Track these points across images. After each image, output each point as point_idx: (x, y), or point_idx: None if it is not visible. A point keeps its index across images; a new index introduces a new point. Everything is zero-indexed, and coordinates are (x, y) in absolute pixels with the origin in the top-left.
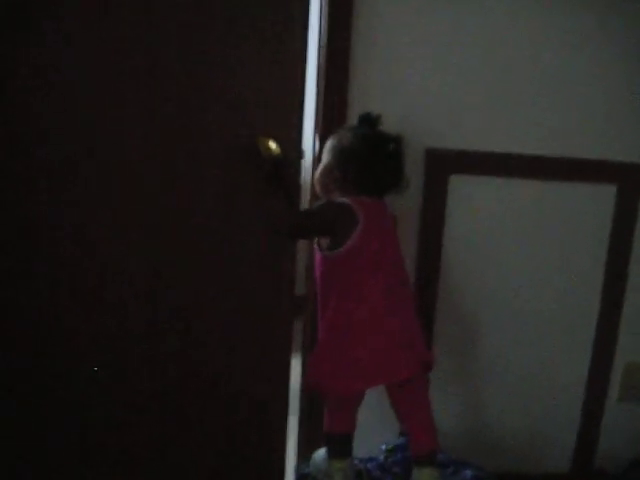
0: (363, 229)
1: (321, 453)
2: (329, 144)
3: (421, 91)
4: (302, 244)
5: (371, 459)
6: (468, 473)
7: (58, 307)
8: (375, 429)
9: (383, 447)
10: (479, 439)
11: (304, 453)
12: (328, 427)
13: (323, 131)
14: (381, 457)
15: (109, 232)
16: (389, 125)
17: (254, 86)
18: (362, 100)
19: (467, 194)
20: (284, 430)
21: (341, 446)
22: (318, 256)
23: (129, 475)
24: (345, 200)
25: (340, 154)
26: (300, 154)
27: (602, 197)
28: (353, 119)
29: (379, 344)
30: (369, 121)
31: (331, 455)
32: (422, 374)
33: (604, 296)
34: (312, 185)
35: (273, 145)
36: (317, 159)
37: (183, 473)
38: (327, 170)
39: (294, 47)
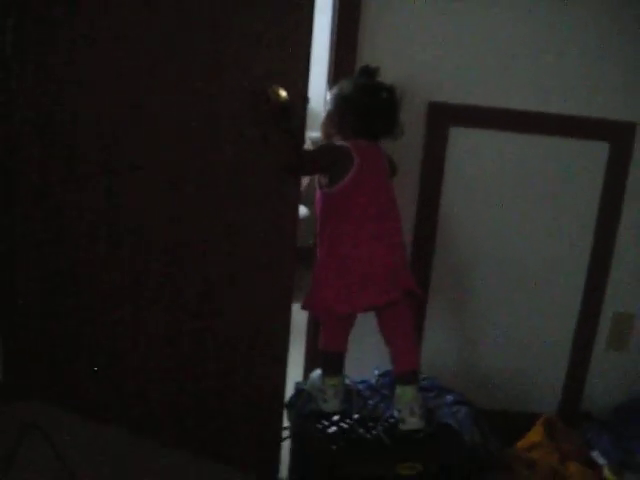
0: (358, 168)
1: (317, 372)
2: (331, 93)
3: (425, 48)
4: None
5: (363, 381)
6: (449, 398)
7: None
8: (370, 356)
9: (376, 372)
10: (470, 378)
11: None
12: (322, 345)
13: (334, 83)
14: (372, 380)
15: (131, 180)
16: (395, 79)
17: (264, 41)
18: (370, 56)
19: (466, 146)
20: (285, 357)
21: (333, 364)
22: (318, 193)
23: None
24: (343, 142)
25: (339, 101)
26: (305, 101)
27: (595, 153)
28: None
29: (367, 271)
30: (368, 72)
31: (325, 372)
32: (404, 300)
33: (594, 249)
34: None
35: (282, 92)
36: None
37: (196, 391)
38: (328, 116)
39: (301, 4)
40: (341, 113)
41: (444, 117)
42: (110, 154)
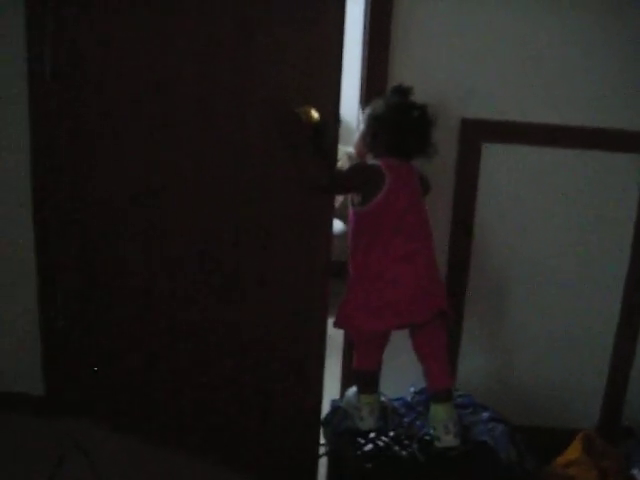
0: (389, 188)
1: (353, 389)
2: (364, 112)
3: (457, 64)
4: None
5: (399, 398)
6: (485, 415)
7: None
8: (406, 373)
9: (412, 389)
10: (507, 395)
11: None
12: (356, 364)
13: (366, 102)
14: (408, 397)
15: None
16: (426, 96)
17: (297, 64)
18: (402, 72)
19: (500, 162)
20: (320, 374)
21: (368, 382)
22: (351, 212)
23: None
24: (375, 162)
25: (371, 120)
26: (337, 121)
27: (629, 166)
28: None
29: (396, 293)
30: (400, 91)
31: (360, 390)
32: (436, 320)
33: (632, 261)
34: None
35: (314, 113)
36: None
37: (233, 409)
38: (361, 135)
39: (330, 28)
40: (373, 132)
41: (477, 133)
42: (141, 173)
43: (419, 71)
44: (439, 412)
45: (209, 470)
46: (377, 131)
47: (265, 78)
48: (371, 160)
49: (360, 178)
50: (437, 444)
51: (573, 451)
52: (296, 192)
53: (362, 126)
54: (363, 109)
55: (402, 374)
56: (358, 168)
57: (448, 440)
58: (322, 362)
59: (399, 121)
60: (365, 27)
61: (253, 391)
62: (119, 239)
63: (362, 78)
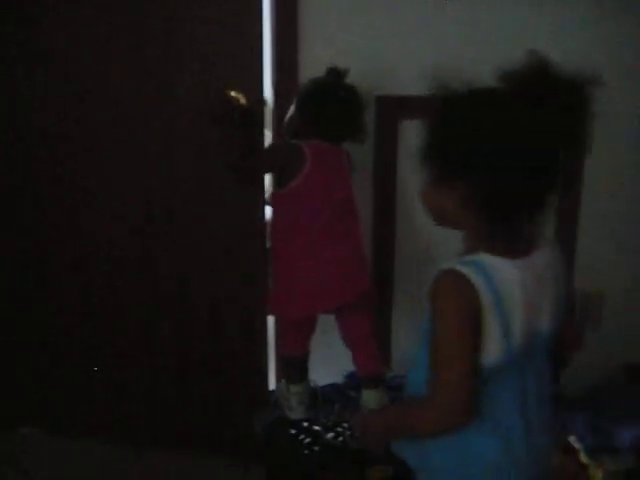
0: (309, 170)
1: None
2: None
3: (368, 40)
4: None
5: (330, 384)
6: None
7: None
8: (337, 358)
9: (343, 374)
10: None
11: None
12: (284, 351)
13: (277, 84)
14: (339, 382)
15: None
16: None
17: (220, 48)
18: (311, 51)
19: (417, 138)
20: (265, 337)
21: (295, 371)
22: (272, 195)
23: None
24: (296, 142)
25: (298, 100)
26: (262, 103)
27: None
28: (304, 71)
29: (320, 277)
30: (334, 73)
31: (287, 380)
32: (362, 303)
33: (557, 229)
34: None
35: (241, 98)
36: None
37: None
38: (290, 116)
39: (251, 9)
40: (300, 112)
41: (393, 110)
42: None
43: (330, 48)
44: (370, 398)
45: (153, 458)
46: (304, 111)
47: (191, 66)
48: (293, 140)
49: (278, 156)
50: None
51: None
52: (228, 179)
53: (292, 106)
54: (275, 91)
55: (333, 359)
56: (277, 146)
57: None
58: (265, 324)
59: (324, 101)
60: (272, 4)
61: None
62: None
63: (272, 57)
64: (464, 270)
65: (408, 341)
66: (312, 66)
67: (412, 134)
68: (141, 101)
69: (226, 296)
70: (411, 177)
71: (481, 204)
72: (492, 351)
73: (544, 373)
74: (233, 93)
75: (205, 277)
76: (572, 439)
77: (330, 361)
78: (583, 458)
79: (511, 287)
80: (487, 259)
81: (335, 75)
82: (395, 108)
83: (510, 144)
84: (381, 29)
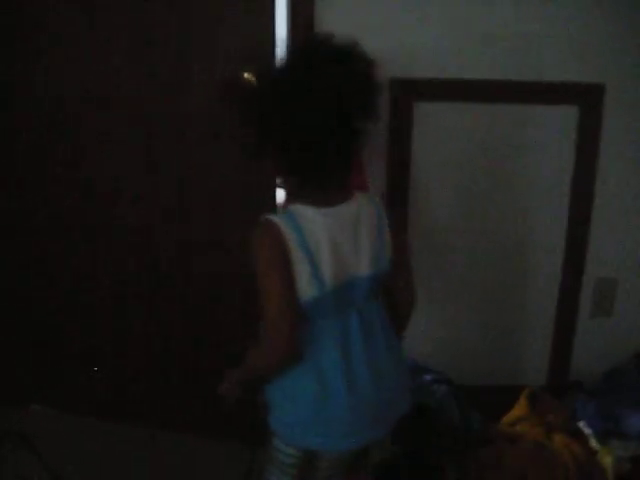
0: None
1: None
2: None
3: (382, 24)
4: None
5: None
6: (427, 377)
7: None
8: None
9: None
10: (454, 355)
11: None
12: None
13: None
14: None
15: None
16: None
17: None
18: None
19: (433, 121)
20: None
21: None
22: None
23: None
24: None
25: None
26: None
27: (565, 118)
28: None
29: None
30: None
31: None
32: None
33: (571, 216)
34: None
35: (252, 78)
36: None
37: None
38: None
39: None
40: None
41: (408, 93)
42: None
43: (345, 32)
44: None
45: (156, 436)
46: None
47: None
48: None
49: None
50: None
51: (519, 408)
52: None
53: None
54: None
55: None
56: None
57: None
58: None
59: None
60: None
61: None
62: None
63: (288, 38)
64: (274, 218)
65: (418, 323)
66: None
67: (426, 116)
68: (153, 88)
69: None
70: (426, 160)
71: (283, 163)
72: (306, 289)
73: (374, 318)
74: (246, 75)
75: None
76: (582, 424)
77: None
78: (593, 443)
79: (315, 230)
80: (297, 208)
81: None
82: (410, 91)
83: (295, 113)
84: (396, 12)
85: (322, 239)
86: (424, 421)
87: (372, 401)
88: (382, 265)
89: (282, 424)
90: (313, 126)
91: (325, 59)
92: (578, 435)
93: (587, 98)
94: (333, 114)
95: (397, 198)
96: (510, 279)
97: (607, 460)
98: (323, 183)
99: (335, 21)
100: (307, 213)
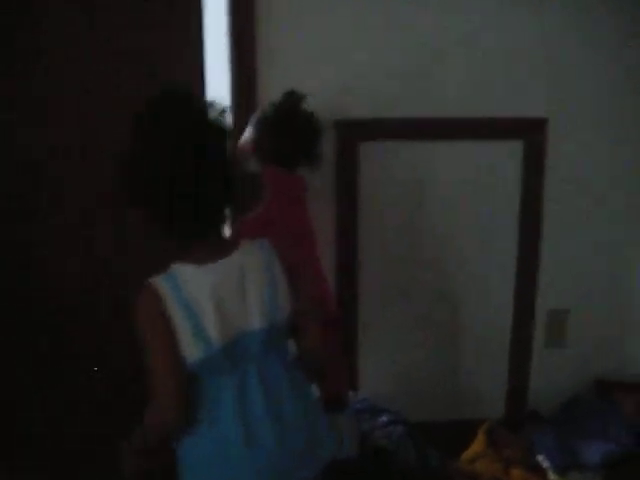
0: (270, 199)
1: None
2: (253, 116)
3: (325, 66)
4: None
5: None
6: (383, 419)
7: None
8: None
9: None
10: (411, 393)
11: None
12: None
13: (235, 107)
14: None
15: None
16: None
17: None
18: (270, 78)
19: (378, 160)
20: None
21: None
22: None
23: None
24: (256, 169)
25: (257, 123)
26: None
27: (510, 153)
28: (263, 95)
29: None
30: (292, 97)
31: None
32: (330, 330)
33: (520, 247)
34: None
35: None
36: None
37: None
38: (246, 139)
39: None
40: (258, 136)
41: (352, 134)
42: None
43: (288, 75)
44: (334, 422)
45: None
46: (262, 135)
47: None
48: (254, 165)
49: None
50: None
51: (477, 444)
52: None
53: (249, 129)
54: (235, 116)
55: None
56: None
57: (344, 450)
58: None
59: (283, 126)
60: (229, 32)
61: None
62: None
63: (231, 81)
64: (153, 280)
65: (375, 363)
66: (271, 88)
67: (372, 156)
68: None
69: None
70: (373, 198)
71: (158, 225)
72: (190, 351)
73: (277, 370)
74: None
75: None
76: (541, 458)
77: None
78: (551, 477)
79: (198, 290)
80: (177, 268)
81: (293, 99)
82: (354, 131)
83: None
84: (341, 51)
85: (204, 297)
86: (380, 464)
87: (275, 458)
88: (278, 315)
89: None
90: (159, 176)
91: (166, 109)
92: (537, 469)
93: (531, 132)
94: (181, 164)
95: (346, 236)
96: (463, 313)
97: None
98: (195, 236)
99: (277, 72)
100: (187, 272)
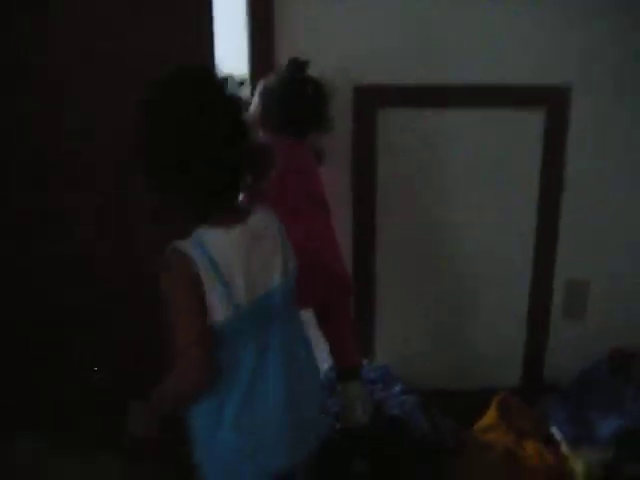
0: (281, 170)
1: None
2: (258, 87)
3: (344, 31)
4: None
5: None
6: (397, 388)
7: None
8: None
9: (325, 366)
10: (430, 361)
11: None
12: None
13: (252, 76)
14: (320, 375)
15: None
16: (317, 67)
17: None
18: (289, 43)
19: (397, 127)
20: None
21: None
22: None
23: None
24: (265, 140)
25: (263, 94)
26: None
27: (531, 121)
28: (281, 59)
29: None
30: (296, 65)
31: None
32: (341, 298)
33: (539, 216)
34: None
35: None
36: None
37: None
38: (254, 110)
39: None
40: (265, 107)
41: (371, 100)
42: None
43: (307, 40)
44: (347, 390)
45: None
46: (268, 106)
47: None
48: (262, 136)
49: None
50: (345, 423)
51: (490, 416)
52: None
53: (255, 100)
54: (252, 84)
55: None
56: None
57: (356, 419)
58: None
59: (291, 96)
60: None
61: None
62: None
63: (249, 53)
64: (180, 245)
65: (390, 331)
66: (289, 54)
67: (390, 122)
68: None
69: None
70: (390, 166)
71: (181, 192)
72: (219, 312)
73: (296, 328)
74: None
75: None
76: (553, 430)
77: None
78: (564, 449)
79: (224, 253)
80: (203, 232)
81: (297, 67)
82: (373, 97)
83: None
84: (357, 19)
85: (230, 259)
86: (393, 433)
87: (285, 419)
88: (291, 275)
89: (209, 456)
90: (189, 159)
91: (189, 86)
92: (550, 441)
93: (554, 100)
94: (206, 138)
95: (365, 203)
96: (481, 282)
97: (578, 466)
98: (215, 204)
99: (295, 32)
100: (212, 235)
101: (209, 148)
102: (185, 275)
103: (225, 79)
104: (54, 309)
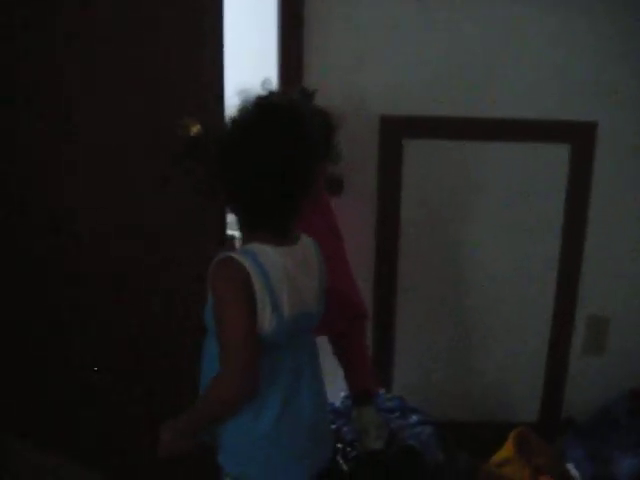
0: None
1: None
2: None
3: (374, 61)
4: None
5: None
6: (414, 418)
7: None
8: (336, 379)
9: (342, 394)
10: (447, 392)
11: None
12: None
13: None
14: (337, 403)
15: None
16: (345, 95)
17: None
18: (318, 72)
19: (422, 158)
20: None
21: None
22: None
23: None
24: None
25: None
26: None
27: (557, 156)
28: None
29: None
30: (303, 94)
31: None
32: (357, 325)
33: (562, 252)
34: None
35: (193, 126)
36: None
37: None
38: None
39: (207, 36)
40: None
41: (397, 130)
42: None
43: (336, 69)
44: (362, 415)
45: None
46: None
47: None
48: None
49: None
50: (360, 449)
51: (506, 450)
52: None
53: None
54: None
55: (331, 379)
56: None
57: (370, 444)
58: None
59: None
60: (278, 28)
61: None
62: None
63: (278, 77)
64: (235, 256)
65: (409, 362)
66: (318, 84)
67: (416, 153)
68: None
69: None
70: (416, 196)
71: (239, 205)
72: (267, 323)
73: (316, 354)
74: (182, 121)
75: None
76: (570, 467)
77: (329, 382)
78: None
79: (275, 268)
80: (255, 246)
81: (305, 97)
82: (399, 128)
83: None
84: (387, 50)
85: (280, 275)
86: (409, 464)
87: (312, 433)
88: (322, 305)
89: (235, 463)
90: (257, 187)
91: (275, 123)
92: (566, 478)
93: (579, 136)
94: (279, 178)
95: (388, 233)
96: (503, 316)
97: None
98: (274, 226)
99: (324, 61)
100: (265, 251)
101: (289, 185)
102: (238, 283)
103: (310, 114)
104: (54, 309)
